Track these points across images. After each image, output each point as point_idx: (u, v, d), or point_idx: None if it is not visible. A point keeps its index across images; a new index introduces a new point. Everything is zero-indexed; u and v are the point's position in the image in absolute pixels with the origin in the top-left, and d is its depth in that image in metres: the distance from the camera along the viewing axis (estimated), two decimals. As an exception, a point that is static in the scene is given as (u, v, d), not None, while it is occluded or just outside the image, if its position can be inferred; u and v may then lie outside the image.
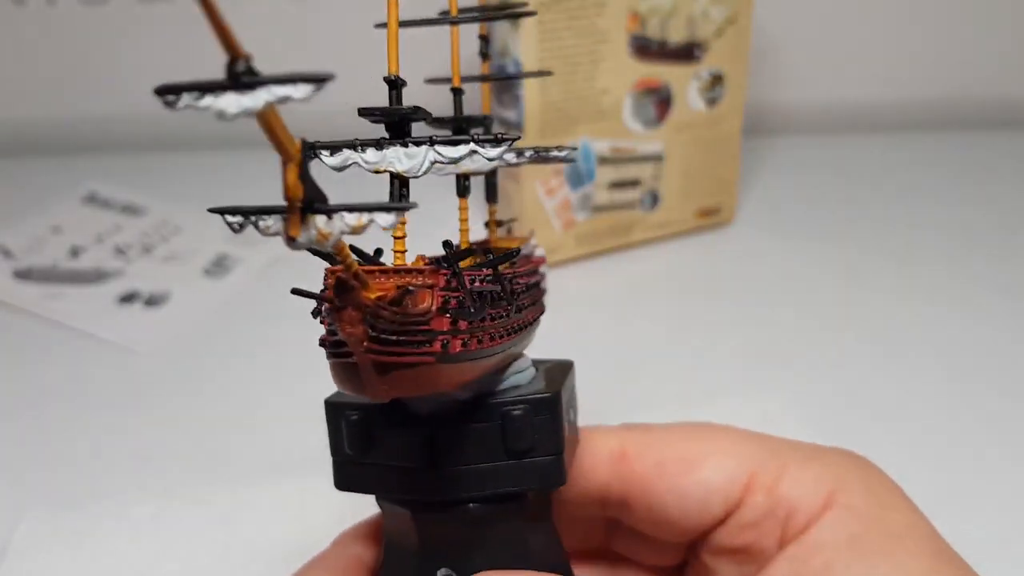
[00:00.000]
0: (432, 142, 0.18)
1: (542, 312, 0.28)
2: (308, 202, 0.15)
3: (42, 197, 0.72)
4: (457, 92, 0.25)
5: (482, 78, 0.28)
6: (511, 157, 0.23)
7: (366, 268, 0.19)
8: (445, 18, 0.24)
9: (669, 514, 0.27)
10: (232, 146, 0.78)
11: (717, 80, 0.62)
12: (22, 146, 0.82)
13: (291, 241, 0.14)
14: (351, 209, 0.15)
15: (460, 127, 0.25)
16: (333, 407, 0.24)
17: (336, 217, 0.15)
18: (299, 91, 0.13)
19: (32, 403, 0.50)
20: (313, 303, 0.19)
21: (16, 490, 0.43)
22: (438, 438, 0.23)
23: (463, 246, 0.23)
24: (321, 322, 0.20)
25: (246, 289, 0.61)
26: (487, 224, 0.29)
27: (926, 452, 0.44)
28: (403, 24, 0.20)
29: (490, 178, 0.29)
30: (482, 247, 0.28)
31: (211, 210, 0.16)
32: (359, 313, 0.17)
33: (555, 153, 0.24)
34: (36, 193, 0.73)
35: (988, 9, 0.82)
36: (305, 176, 0.14)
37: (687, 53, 0.60)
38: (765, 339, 0.54)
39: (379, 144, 0.18)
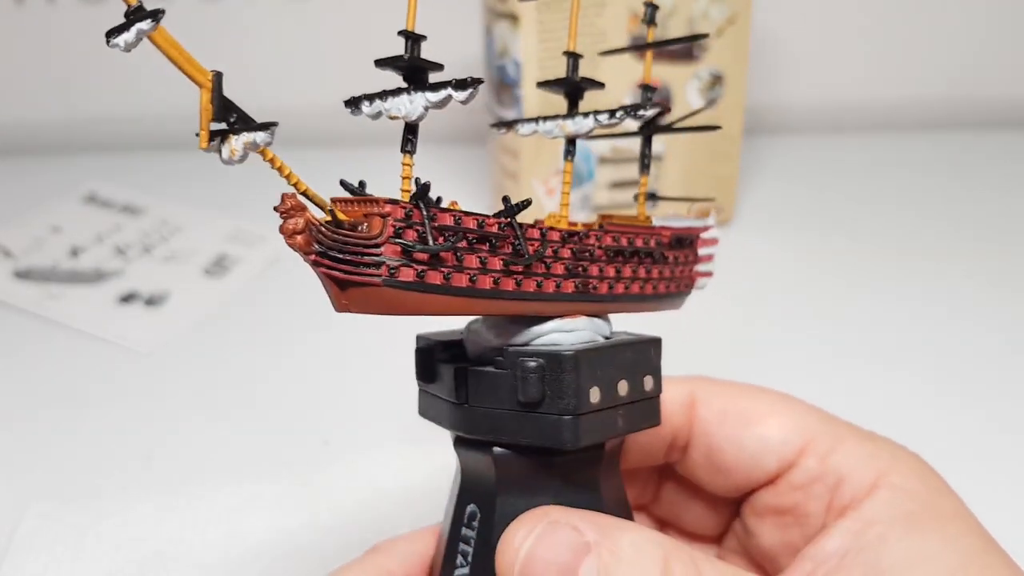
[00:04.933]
0: (424, 89, 0.21)
1: (664, 287, 0.28)
2: (227, 123, 0.18)
3: (42, 197, 0.72)
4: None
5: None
6: (604, 118, 0.25)
7: (338, 198, 0.21)
8: None
9: (725, 462, 0.29)
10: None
11: (717, 80, 0.62)
12: (22, 146, 0.82)
13: (217, 155, 0.18)
14: (247, 129, 0.18)
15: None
16: (417, 339, 0.26)
17: (239, 136, 0.18)
18: (146, 24, 0.16)
19: (32, 403, 0.50)
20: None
21: (17, 489, 0.43)
22: (469, 377, 0.24)
23: (564, 213, 0.25)
24: None
25: (246, 289, 0.61)
26: (636, 197, 0.29)
27: (926, 448, 0.44)
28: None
29: (644, 149, 0.29)
30: (607, 219, 0.28)
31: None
32: (295, 226, 0.19)
33: (642, 112, 0.26)
34: (36, 193, 0.73)
35: (988, 9, 0.82)
36: (217, 100, 0.17)
37: (687, 53, 0.60)
38: (765, 338, 0.54)
39: (396, 93, 0.21)
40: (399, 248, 0.20)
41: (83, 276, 0.62)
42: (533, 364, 0.23)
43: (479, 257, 0.22)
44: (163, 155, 0.79)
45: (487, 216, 0.22)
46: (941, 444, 0.45)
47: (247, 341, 0.55)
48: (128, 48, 0.16)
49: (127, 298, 0.60)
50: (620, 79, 0.59)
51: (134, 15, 0.16)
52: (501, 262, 0.22)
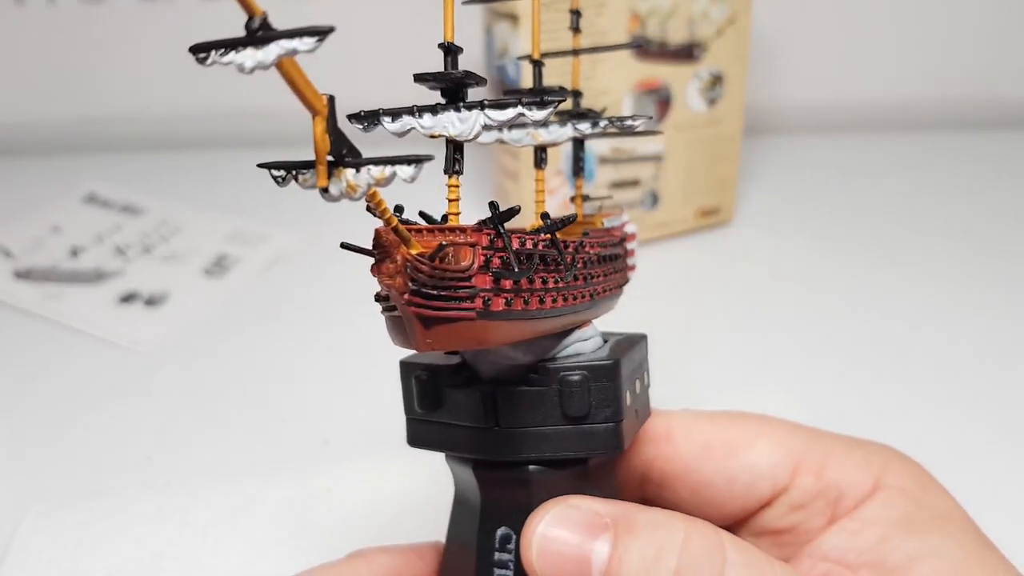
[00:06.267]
0: (483, 106, 0.19)
1: (620, 285, 0.28)
2: (336, 155, 0.15)
3: (42, 197, 0.72)
4: (537, 63, 0.26)
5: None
6: (585, 127, 0.23)
7: (412, 227, 0.19)
8: None
9: (716, 495, 0.28)
10: (232, 146, 0.78)
11: (717, 80, 0.62)
12: (22, 146, 0.82)
13: (323, 192, 0.15)
14: (376, 162, 0.15)
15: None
16: (406, 367, 0.25)
17: (363, 170, 0.15)
18: (304, 44, 0.14)
19: (32, 403, 0.50)
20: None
21: (17, 489, 0.43)
22: (499, 399, 0.23)
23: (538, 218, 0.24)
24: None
25: (246, 289, 0.61)
26: (573, 199, 0.29)
27: (927, 448, 0.44)
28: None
29: (577, 152, 0.29)
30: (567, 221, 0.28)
31: (260, 165, 0.17)
32: (396, 266, 0.18)
33: (629, 122, 0.24)
34: (36, 193, 0.73)
35: (987, 9, 0.82)
36: (333, 130, 0.15)
37: (687, 53, 0.60)
38: (765, 338, 0.54)
39: (434, 109, 0.19)
40: (490, 277, 0.19)
41: (83, 276, 0.62)
42: (577, 377, 0.23)
43: (541, 277, 0.21)
44: (163, 155, 0.79)
45: (530, 233, 0.21)
46: (939, 443, 0.45)
47: (247, 341, 0.55)
48: (252, 70, 0.14)
49: (127, 298, 0.60)
50: (620, 80, 0.59)
51: (263, 29, 0.14)
52: (553, 280, 0.22)
